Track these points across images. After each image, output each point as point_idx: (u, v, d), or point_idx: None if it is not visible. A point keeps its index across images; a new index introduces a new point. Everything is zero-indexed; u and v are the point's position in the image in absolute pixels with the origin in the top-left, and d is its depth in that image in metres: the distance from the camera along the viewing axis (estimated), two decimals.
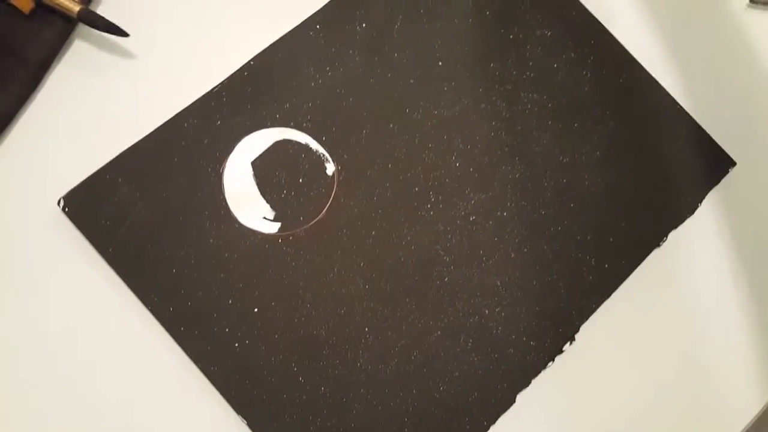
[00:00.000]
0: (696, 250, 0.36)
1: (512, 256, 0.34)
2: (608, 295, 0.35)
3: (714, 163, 0.37)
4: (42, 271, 0.32)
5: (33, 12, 0.34)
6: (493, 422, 0.32)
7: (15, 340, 0.31)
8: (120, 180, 0.33)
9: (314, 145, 0.35)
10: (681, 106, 0.37)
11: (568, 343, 0.34)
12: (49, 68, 0.34)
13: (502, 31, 0.38)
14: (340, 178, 0.34)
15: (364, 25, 0.36)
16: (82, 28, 0.35)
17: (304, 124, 0.35)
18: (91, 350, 0.31)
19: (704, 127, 0.37)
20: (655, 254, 0.36)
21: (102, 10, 0.35)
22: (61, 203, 0.32)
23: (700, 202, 0.36)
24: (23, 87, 0.33)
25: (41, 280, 0.32)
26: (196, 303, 0.32)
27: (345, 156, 0.35)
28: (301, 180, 0.34)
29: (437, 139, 0.36)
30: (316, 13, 0.36)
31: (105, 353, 0.31)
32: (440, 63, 0.37)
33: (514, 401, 0.32)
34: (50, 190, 0.32)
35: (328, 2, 0.37)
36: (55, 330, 0.31)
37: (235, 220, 0.33)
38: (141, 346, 0.31)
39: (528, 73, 0.37)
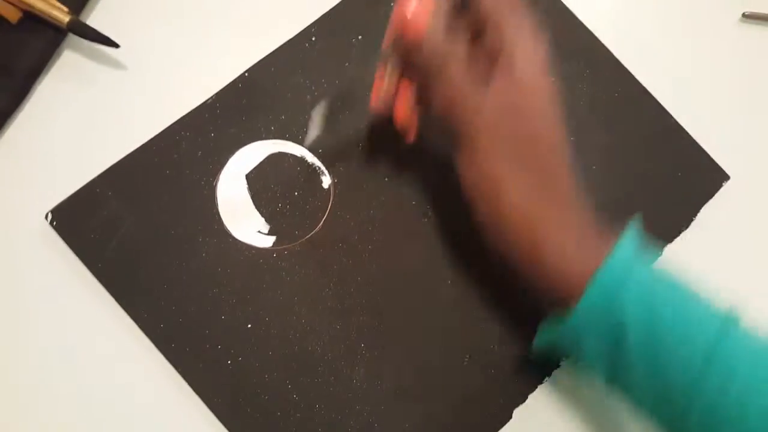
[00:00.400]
0: (690, 264, 0.36)
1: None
2: None
3: (708, 177, 0.37)
4: (30, 286, 0.31)
5: (21, 21, 0.33)
6: None
7: (1, 356, 0.30)
8: (110, 193, 0.32)
9: (310, 157, 0.34)
10: (675, 120, 0.37)
11: (565, 357, 0.33)
12: (37, 79, 0.33)
13: None
14: (336, 191, 0.34)
15: (360, 37, 0.36)
16: (72, 39, 0.34)
17: (300, 137, 0.34)
18: (80, 368, 0.31)
19: (698, 140, 0.37)
20: None
21: (92, 20, 0.35)
22: (49, 217, 0.31)
23: (695, 215, 0.36)
24: (10, 98, 0.33)
25: (29, 295, 0.31)
26: (187, 319, 0.31)
27: (341, 169, 0.34)
28: (296, 193, 0.34)
29: (434, 151, 0.35)
30: (311, 24, 0.36)
31: (94, 370, 0.31)
32: None
33: (511, 417, 0.32)
34: (38, 203, 0.32)
35: (324, 14, 0.36)
36: (43, 347, 0.31)
37: (228, 234, 0.32)
38: (131, 362, 0.31)
39: None
